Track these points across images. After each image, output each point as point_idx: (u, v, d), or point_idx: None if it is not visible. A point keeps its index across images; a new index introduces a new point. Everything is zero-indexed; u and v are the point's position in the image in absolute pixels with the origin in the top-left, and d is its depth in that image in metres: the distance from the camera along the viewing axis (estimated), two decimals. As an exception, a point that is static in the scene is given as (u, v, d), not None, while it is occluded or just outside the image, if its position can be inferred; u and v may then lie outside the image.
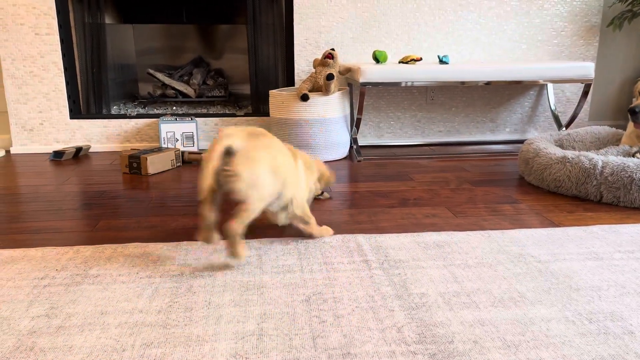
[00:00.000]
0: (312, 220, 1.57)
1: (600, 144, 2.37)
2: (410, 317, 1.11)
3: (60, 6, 2.79)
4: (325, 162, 2.64)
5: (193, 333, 1.06)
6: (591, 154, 1.96)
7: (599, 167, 1.90)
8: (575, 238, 1.56)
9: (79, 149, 2.78)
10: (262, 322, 1.10)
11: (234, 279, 1.30)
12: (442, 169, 2.47)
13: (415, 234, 1.60)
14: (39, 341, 1.03)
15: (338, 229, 1.65)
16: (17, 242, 1.57)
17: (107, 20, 3.05)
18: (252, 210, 1.33)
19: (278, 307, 1.16)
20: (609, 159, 1.90)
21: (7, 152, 2.92)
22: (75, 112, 2.96)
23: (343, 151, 2.73)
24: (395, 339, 1.03)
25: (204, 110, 3.19)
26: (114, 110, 3.13)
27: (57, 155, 2.69)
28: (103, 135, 2.94)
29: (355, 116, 2.77)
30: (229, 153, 1.29)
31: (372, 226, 1.69)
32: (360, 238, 1.56)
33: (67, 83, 2.87)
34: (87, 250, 1.48)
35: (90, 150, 2.92)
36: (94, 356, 0.98)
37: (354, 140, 2.80)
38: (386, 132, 3.10)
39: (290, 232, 1.64)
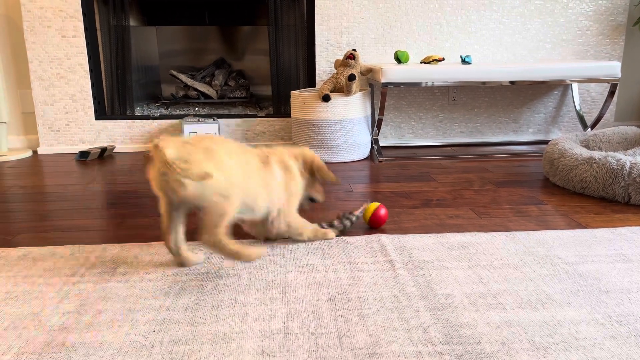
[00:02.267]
0: (306, 232, 1.51)
1: (627, 144, 2.32)
2: (436, 318, 1.11)
3: (86, 9, 2.84)
4: (346, 162, 2.64)
5: (220, 331, 1.07)
6: (619, 155, 1.92)
7: (627, 168, 1.86)
8: (603, 240, 1.53)
9: (103, 149, 2.83)
10: (288, 321, 1.10)
11: (259, 277, 1.31)
12: (464, 170, 2.45)
13: (439, 234, 1.59)
14: (70, 337, 1.05)
15: (361, 230, 1.65)
16: (47, 240, 1.60)
17: (132, 22, 3.09)
18: (218, 214, 1.23)
19: (303, 306, 1.16)
20: (638, 159, 1.87)
21: (35, 152, 2.98)
22: (100, 113, 3.01)
23: (364, 152, 2.72)
24: (422, 339, 1.03)
25: (226, 111, 3.21)
26: (138, 111, 3.18)
27: (83, 155, 2.74)
28: (127, 135, 2.98)
29: (377, 117, 2.76)
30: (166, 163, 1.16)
31: (395, 226, 1.68)
32: (384, 238, 1.55)
33: (93, 84, 2.92)
34: (114, 248, 1.51)
35: (115, 150, 2.96)
36: (123, 352, 1.00)
37: (375, 141, 2.79)
38: (407, 132, 3.09)
39: (314, 232, 1.64)
